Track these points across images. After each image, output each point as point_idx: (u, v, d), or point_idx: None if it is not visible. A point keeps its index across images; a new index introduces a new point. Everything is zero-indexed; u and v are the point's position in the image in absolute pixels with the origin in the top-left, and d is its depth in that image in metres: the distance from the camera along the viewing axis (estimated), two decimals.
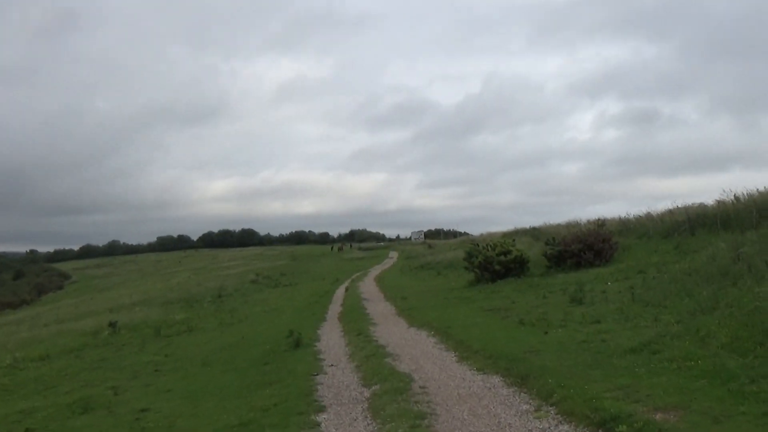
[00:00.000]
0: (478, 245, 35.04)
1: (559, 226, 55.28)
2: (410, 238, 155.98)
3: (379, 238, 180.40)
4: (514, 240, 35.00)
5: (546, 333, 15.76)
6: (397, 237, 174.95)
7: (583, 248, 31.52)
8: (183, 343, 25.04)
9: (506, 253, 32.23)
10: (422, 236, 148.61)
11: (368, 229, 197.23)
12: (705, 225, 32.23)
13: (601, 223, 42.58)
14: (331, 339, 19.53)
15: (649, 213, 42.24)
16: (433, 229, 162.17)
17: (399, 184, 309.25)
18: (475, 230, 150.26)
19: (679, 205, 38.08)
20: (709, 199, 36.89)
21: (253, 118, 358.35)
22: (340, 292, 39.67)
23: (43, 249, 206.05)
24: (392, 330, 20.10)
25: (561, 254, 32.33)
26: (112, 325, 33.48)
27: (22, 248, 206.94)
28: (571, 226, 49.91)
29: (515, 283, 29.75)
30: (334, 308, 29.73)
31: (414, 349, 15.93)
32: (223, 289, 55.45)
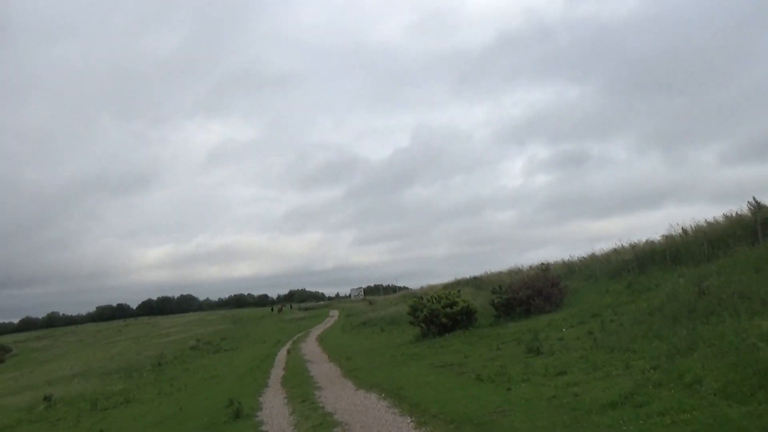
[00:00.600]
0: (422, 298, 33.40)
1: (501, 273, 54.16)
2: (350, 295, 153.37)
3: (318, 297, 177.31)
4: (459, 291, 33.42)
5: (509, 389, 14.08)
6: (337, 295, 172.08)
7: (532, 294, 30.19)
8: (120, 416, 23.12)
9: (452, 305, 30.68)
10: (362, 293, 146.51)
11: (307, 289, 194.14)
12: (654, 262, 31.39)
13: (545, 268, 41.46)
14: (274, 407, 17.43)
15: (593, 254, 41.43)
16: (372, 285, 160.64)
17: (334, 242, 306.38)
18: (414, 284, 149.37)
19: (624, 244, 37.34)
20: (648, 236, 36.65)
21: (185, 184, 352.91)
22: (282, 354, 37.39)
23: None
24: (339, 394, 18.16)
25: (509, 302, 30.92)
26: (47, 399, 31.59)
27: None
28: (514, 273, 48.78)
29: (464, 335, 28.13)
30: (277, 372, 27.58)
31: (365, 416, 14.03)
32: (163, 357, 53.08)
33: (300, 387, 20.89)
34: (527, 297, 30.28)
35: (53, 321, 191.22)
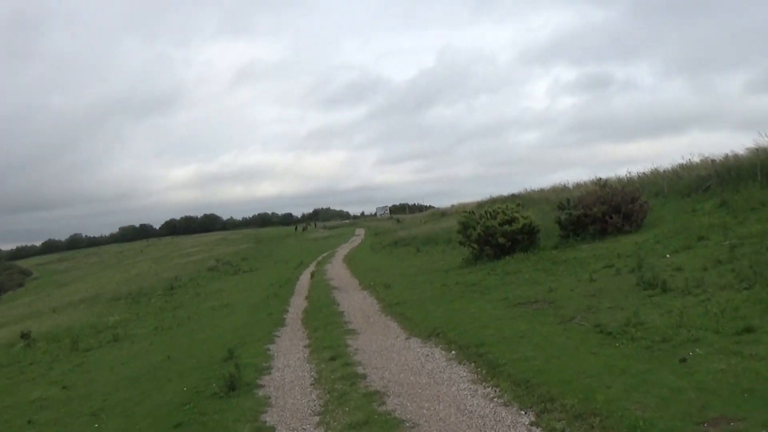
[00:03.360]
0: (473, 213, 27.27)
1: (543, 190, 47.92)
2: (375, 214, 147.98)
3: (343, 215, 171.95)
4: (519, 205, 27.27)
5: (683, 360, 8.14)
6: (362, 214, 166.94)
7: (608, 211, 24.06)
8: (98, 362, 18.00)
9: (510, 221, 24.68)
10: (387, 211, 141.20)
11: (332, 208, 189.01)
12: (741, 178, 25.02)
13: (602, 183, 35.13)
14: (289, 368, 11.67)
15: (655, 169, 35.01)
16: (397, 204, 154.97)
17: (358, 161, 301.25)
18: (439, 203, 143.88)
19: (697, 158, 31.02)
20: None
21: (209, 104, 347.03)
22: (305, 278, 31.92)
23: (6, 247, 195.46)
24: (384, 345, 12.48)
25: (579, 220, 24.80)
26: (24, 336, 26.44)
27: None
28: (558, 191, 42.59)
29: (529, 259, 22.18)
30: (297, 303, 22.04)
31: (439, 401, 8.23)
32: (178, 280, 48.36)
33: (326, 329, 15.25)
34: (602, 214, 24.19)
35: (76, 243, 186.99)
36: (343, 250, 55.02)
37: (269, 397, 9.72)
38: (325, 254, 52.84)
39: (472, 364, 9.75)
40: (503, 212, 25.34)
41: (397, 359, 11.01)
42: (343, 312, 17.74)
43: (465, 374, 9.33)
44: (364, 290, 22.94)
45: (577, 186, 42.29)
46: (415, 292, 19.28)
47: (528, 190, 51.55)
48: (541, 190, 48.60)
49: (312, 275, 32.33)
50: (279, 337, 15.36)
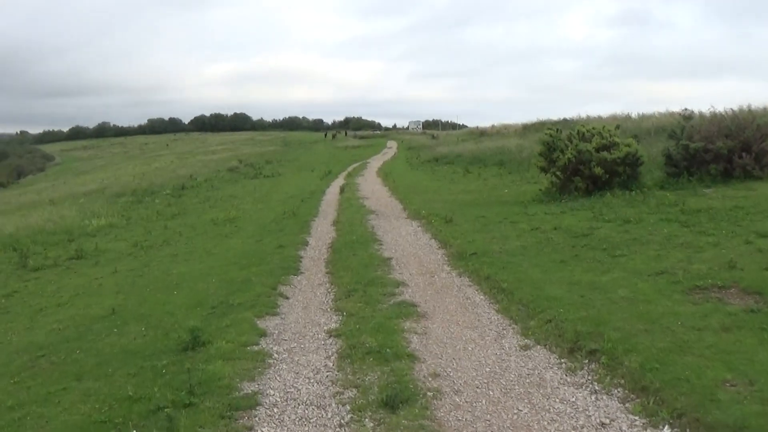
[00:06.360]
0: (558, 131, 20.58)
1: (601, 118, 40.57)
2: (407, 127, 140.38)
3: (374, 126, 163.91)
4: (618, 127, 20.52)
5: None
6: (394, 126, 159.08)
7: (737, 148, 17.52)
8: (24, 299, 12.43)
9: (609, 146, 18.19)
10: (420, 126, 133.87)
11: (363, 118, 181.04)
12: None
13: (688, 115, 28.22)
14: (293, 405, 5.72)
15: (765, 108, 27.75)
16: (430, 119, 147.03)
17: (392, 73, 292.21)
18: (471, 123, 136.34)
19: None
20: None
21: (249, 3, 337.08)
22: (333, 192, 25.83)
23: (34, 131, 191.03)
24: (476, 352, 6.46)
25: (697, 155, 18.24)
26: None
27: (14, 129, 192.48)
28: (621, 120, 35.18)
29: (637, 201, 15.71)
30: (321, 230, 16.02)
31: None
32: (192, 179, 42.16)
33: (366, 294, 9.16)
34: (728, 151, 17.65)
35: (103, 131, 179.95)
36: (376, 162, 48.63)
37: None
38: (355, 165, 46.60)
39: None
40: (599, 134, 18.83)
41: (525, 409, 4.93)
42: (389, 260, 11.56)
43: None
44: (413, 220, 16.75)
45: (643, 117, 35.37)
46: (494, 237, 12.90)
47: (586, 116, 44.37)
48: (599, 118, 41.48)
49: (341, 189, 26.13)
50: (287, 299, 9.31)
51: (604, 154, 17.95)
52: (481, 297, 8.88)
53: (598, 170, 17.74)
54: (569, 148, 18.43)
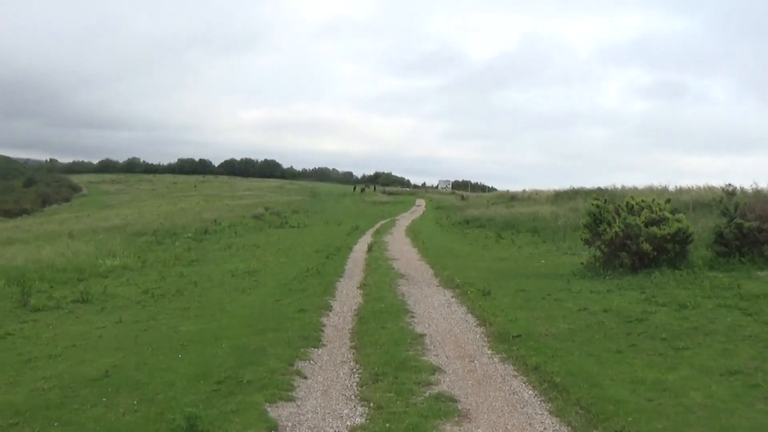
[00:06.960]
0: (605, 201, 19.31)
1: (636, 189, 39.27)
2: (437, 186, 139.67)
3: (403, 183, 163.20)
4: (668, 201, 19.22)
5: None
6: (423, 184, 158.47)
7: None
8: (14, 346, 11.05)
9: (659, 221, 16.91)
10: (450, 185, 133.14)
11: (393, 174, 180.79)
12: None
13: (731, 191, 26.82)
14: None
15: None
16: (460, 180, 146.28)
17: (424, 131, 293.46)
18: (499, 186, 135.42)
19: None
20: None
21: (289, 52, 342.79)
22: (360, 250, 24.68)
23: (63, 159, 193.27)
24: None
25: (750, 235, 16.90)
26: None
27: (44, 157, 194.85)
28: (658, 193, 33.83)
29: (687, 281, 14.39)
30: (347, 293, 14.83)
31: None
32: (216, 223, 41.17)
33: (398, 377, 7.92)
34: None
35: (132, 167, 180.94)
36: (405, 221, 47.54)
37: None
38: (384, 221, 45.53)
39: None
40: (649, 207, 17.57)
41: None
42: (423, 336, 10.27)
43: None
44: (445, 288, 15.51)
45: (680, 190, 34.13)
46: (538, 316, 11.58)
47: (620, 186, 43.00)
48: (635, 189, 40.09)
49: (369, 248, 24.96)
50: (305, 380, 8.06)
51: (654, 229, 16.68)
52: (530, 392, 7.59)
53: (646, 246, 16.44)
54: (617, 221, 17.17)
